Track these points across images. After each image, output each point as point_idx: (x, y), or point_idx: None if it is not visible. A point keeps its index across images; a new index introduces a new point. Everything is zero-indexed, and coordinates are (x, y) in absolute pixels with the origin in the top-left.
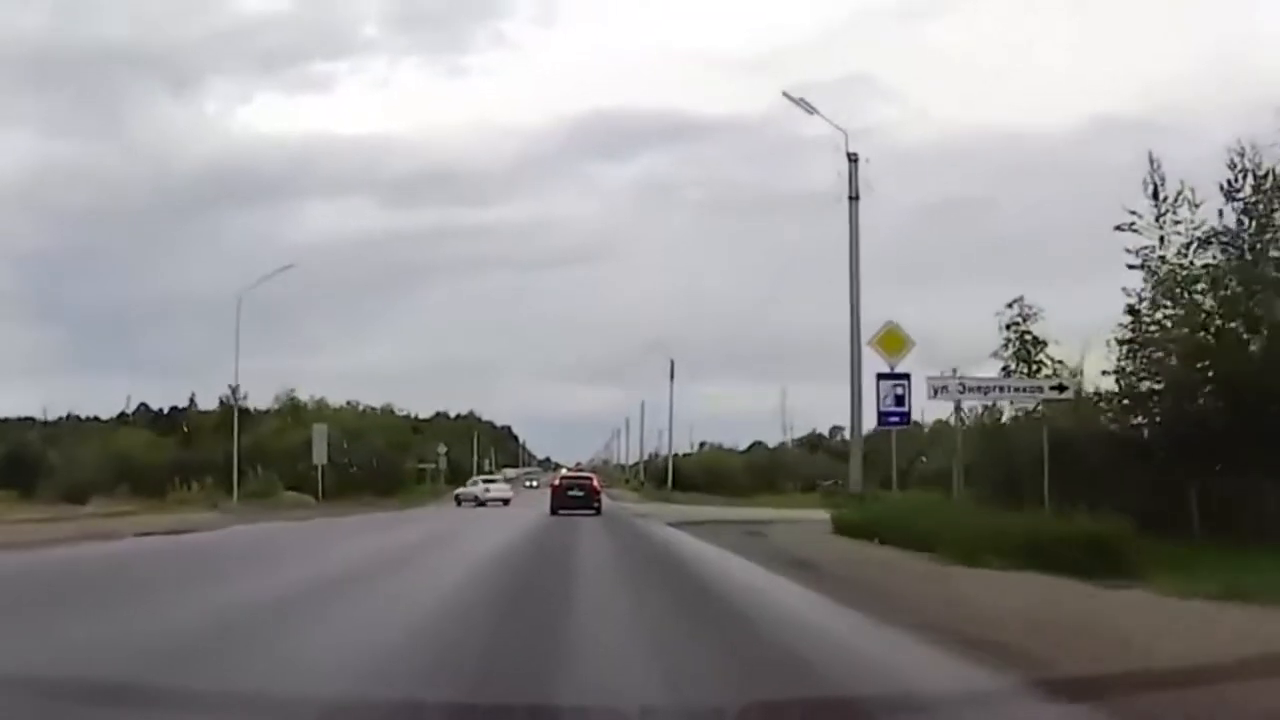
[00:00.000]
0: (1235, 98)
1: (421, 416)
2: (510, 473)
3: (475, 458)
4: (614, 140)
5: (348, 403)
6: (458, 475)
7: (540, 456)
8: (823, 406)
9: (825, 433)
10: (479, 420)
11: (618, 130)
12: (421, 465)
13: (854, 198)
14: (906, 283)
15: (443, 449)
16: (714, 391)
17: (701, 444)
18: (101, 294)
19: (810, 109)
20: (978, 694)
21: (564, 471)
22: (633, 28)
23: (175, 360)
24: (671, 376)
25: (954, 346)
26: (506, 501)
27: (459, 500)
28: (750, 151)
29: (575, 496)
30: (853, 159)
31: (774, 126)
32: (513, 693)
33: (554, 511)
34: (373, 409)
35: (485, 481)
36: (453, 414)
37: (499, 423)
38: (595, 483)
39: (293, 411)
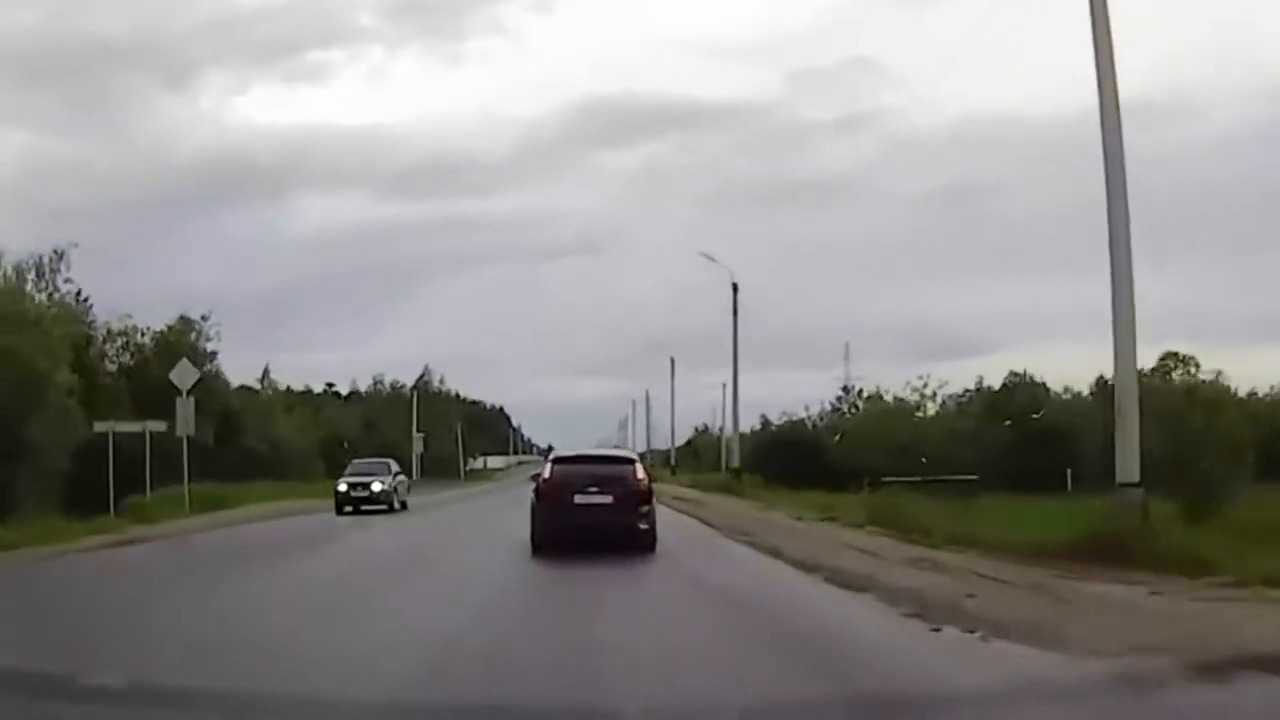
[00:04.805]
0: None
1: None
2: (496, 461)
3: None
4: (615, 128)
5: None
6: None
7: (542, 445)
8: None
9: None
10: (447, 395)
11: (618, 118)
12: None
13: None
14: (910, 271)
15: (187, 398)
16: (716, 380)
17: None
18: (96, 292)
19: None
20: None
21: (557, 453)
22: (632, 13)
23: None
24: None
25: (958, 333)
26: None
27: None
28: (753, 139)
29: (594, 506)
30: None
31: (777, 113)
32: None
33: (540, 545)
34: None
35: None
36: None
37: (490, 404)
38: (638, 473)
39: None
